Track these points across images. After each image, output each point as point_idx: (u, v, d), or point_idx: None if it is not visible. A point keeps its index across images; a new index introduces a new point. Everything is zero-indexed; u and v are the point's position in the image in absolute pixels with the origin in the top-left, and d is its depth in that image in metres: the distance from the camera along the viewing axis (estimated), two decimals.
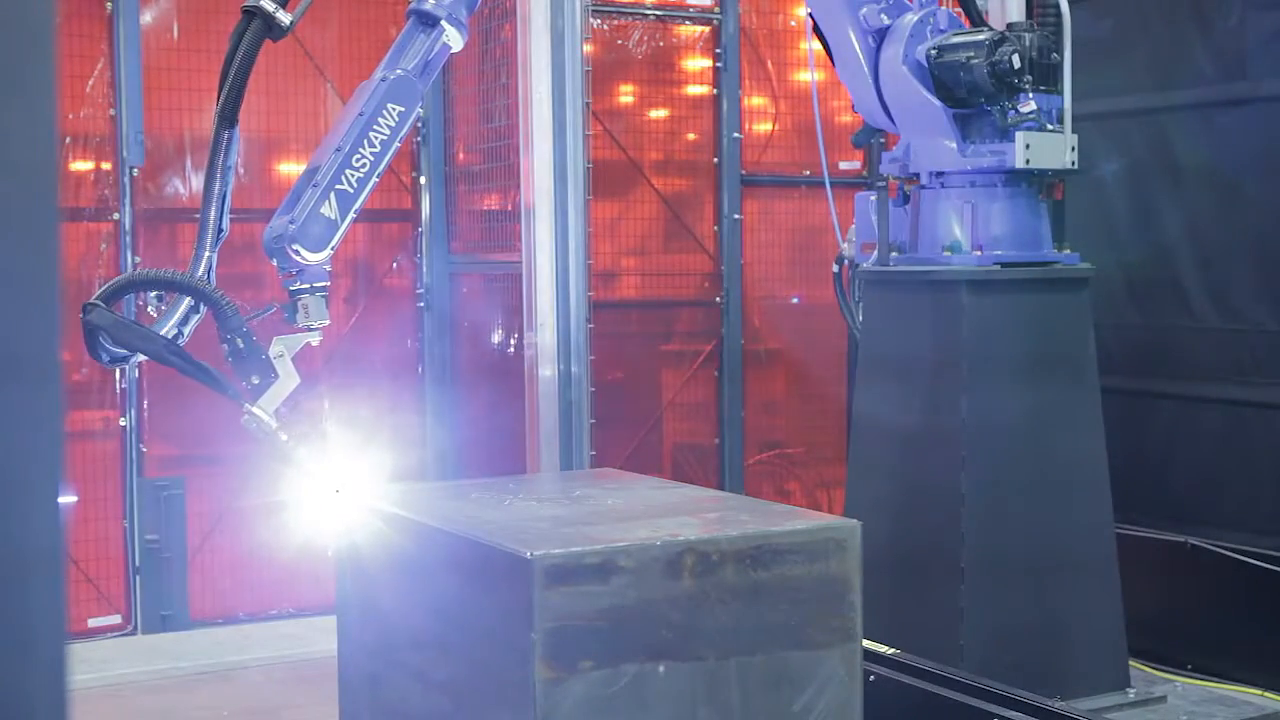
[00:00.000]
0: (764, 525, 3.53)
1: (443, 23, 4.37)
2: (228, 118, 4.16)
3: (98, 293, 4.04)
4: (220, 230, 4.21)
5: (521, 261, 6.73)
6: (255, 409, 4.00)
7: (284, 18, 4.17)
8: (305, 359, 4.16)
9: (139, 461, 6.95)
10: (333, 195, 4.09)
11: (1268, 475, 5.71)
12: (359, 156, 4.14)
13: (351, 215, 4.14)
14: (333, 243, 4.11)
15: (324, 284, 4.15)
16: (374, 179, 4.18)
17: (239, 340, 3.99)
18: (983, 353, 5.12)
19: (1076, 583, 5.22)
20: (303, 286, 4.12)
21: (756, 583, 3.41)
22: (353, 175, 4.12)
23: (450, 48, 4.43)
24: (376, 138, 4.17)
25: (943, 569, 5.09)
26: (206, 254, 4.17)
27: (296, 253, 4.06)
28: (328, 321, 4.18)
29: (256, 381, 4.02)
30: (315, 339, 4.17)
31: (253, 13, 4.17)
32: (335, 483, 4.02)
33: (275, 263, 4.14)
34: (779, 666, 3.43)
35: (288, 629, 6.96)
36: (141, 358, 4.13)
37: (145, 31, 6.97)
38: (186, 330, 4.12)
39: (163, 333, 4.05)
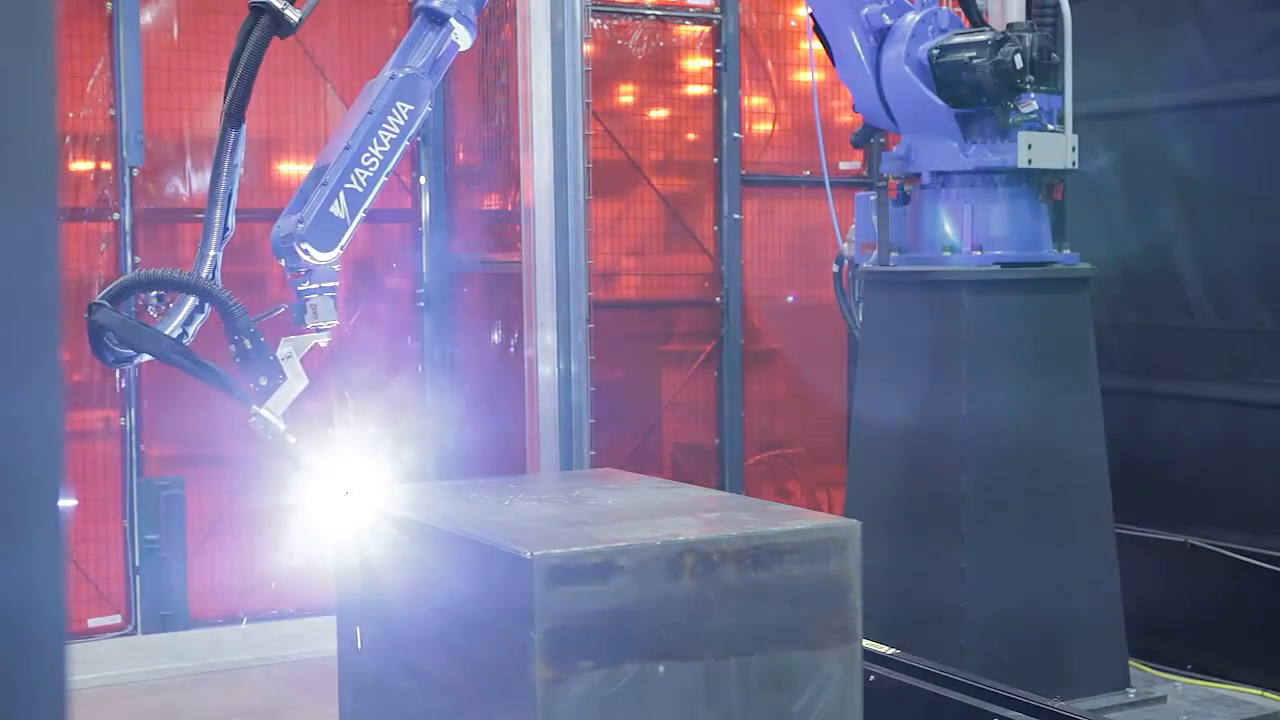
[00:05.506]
0: (764, 525, 3.53)
1: (451, 20, 4.34)
2: (235, 116, 4.13)
3: (103, 292, 4.02)
4: (226, 229, 4.18)
5: (521, 261, 6.73)
6: (263, 410, 3.98)
7: (293, 14, 4.13)
8: (306, 360, 4.14)
9: (139, 461, 6.95)
10: (342, 194, 4.06)
11: (1268, 475, 5.71)
12: (368, 155, 4.11)
13: (361, 214, 4.11)
14: (342, 242, 4.09)
15: (333, 284, 4.12)
16: (383, 178, 4.15)
17: (247, 341, 3.97)
18: (983, 353, 5.13)
19: (1076, 583, 5.22)
20: (311, 287, 4.09)
21: (756, 583, 3.41)
22: (362, 174, 4.10)
23: (459, 46, 4.40)
24: (386, 136, 4.14)
25: (942, 569, 5.09)
26: (212, 253, 4.14)
27: (306, 252, 4.03)
28: (336, 322, 4.15)
29: (264, 383, 3.99)
30: (323, 340, 4.15)
31: (261, 9, 4.15)
32: (344, 484, 4.00)
33: (283, 263, 4.11)
34: (779, 666, 3.43)
35: (288, 629, 6.95)
36: (145, 358, 4.11)
37: (145, 31, 6.97)
38: (191, 330, 4.10)
39: (167, 333, 4.03)
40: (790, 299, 8.24)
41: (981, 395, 5.10)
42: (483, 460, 7.37)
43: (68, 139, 6.76)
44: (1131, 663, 5.37)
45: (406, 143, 4.22)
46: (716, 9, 7.87)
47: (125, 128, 6.87)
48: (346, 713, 4.09)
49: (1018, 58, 5.08)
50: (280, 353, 4.03)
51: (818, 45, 5.55)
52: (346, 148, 4.12)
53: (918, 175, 5.40)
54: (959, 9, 5.53)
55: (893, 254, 5.42)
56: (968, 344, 5.11)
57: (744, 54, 7.95)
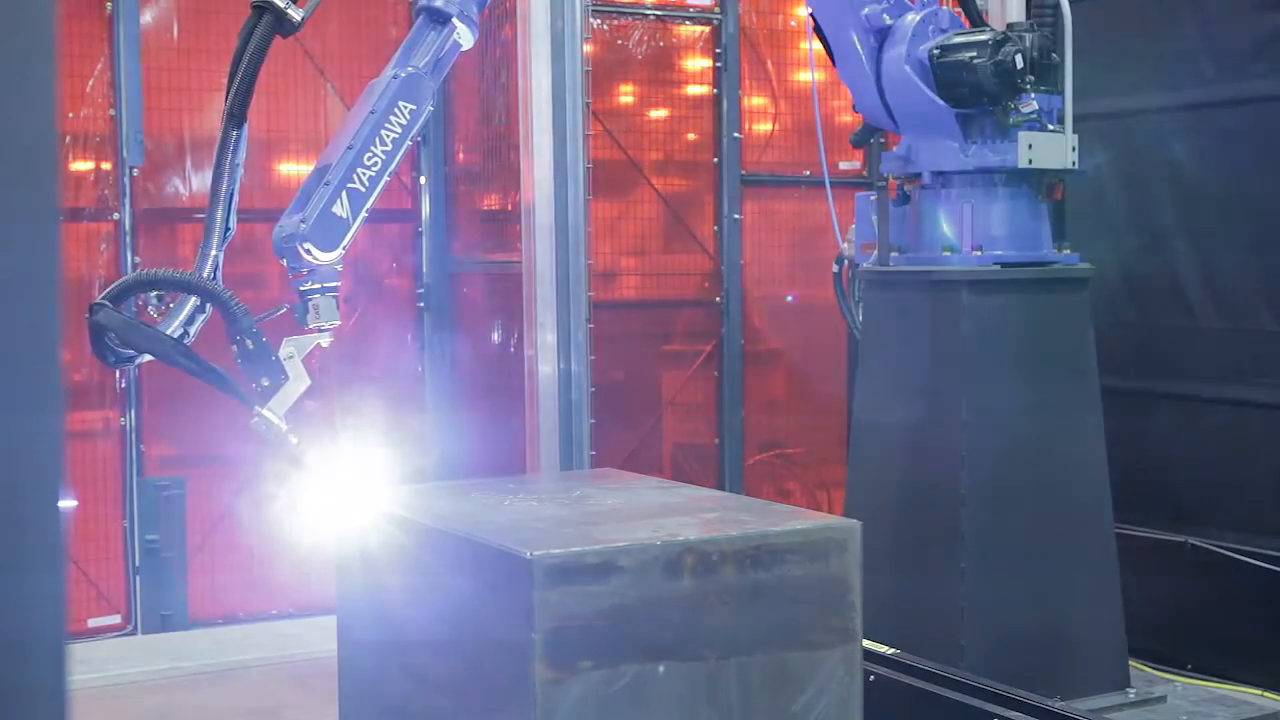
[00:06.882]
0: (764, 525, 3.53)
1: (454, 20, 4.34)
2: (236, 115, 4.12)
3: (105, 292, 4.01)
4: (227, 229, 4.17)
5: (521, 261, 6.73)
6: (265, 411, 3.98)
7: (295, 14, 4.12)
8: (307, 360, 4.13)
9: (139, 461, 6.94)
10: (344, 194, 4.06)
11: (1268, 475, 5.71)
12: (370, 155, 4.11)
13: (363, 214, 4.11)
14: (344, 242, 4.08)
15: (335, 284, 4.11)
16: (385, 177, 4.14)
17: (249, 341, 3.96)
18: (983, 353, 5.13)
19: (1076, 583, 5.22)
20: (313, 287, 4.08)
21: (756, 583, 3.41)
22: (364, 174, 4.09)
23: (461, 45, 4.40)
24: (388, 136, 4.14)
25: (943, 569, 5.09)
26: (213, 253, 4.13)
27: (308, 252, 4.03)
28: (339, 322, 4.14)
29: (266, 383, 3.98)
30: (326, 340, 4.14)
31: (263, 9, 4.14)
32: (346, 485, 4.00)
33: (285, 263, 4.10)
34: (779, 666, 3.43)
35: (288, 629, 6.95)
36: (146, 358, 4.10)
37: (145, 31, 6.97)
38: (192, 330, 4.10)
39: (168, 333, 4.02)
40: (790, 299, 8.23)
41: (981, 395, 5.10)
42: (483, 460, 7.37)
43: (68, 139, 6.76)
44: (1131, 663, 5.37)
45: (409, 142, 4.21)
46: (716, 9, 7.86)
47: (125, 128, 6.87)
48: (346, 713, 4.09)
49: (1018, 58, 5.08)
50: (282, 353, 4.02)
51: (818, 45, 5.55)
52: (349, 147, 4.11)
53: (918, 175, 5.40)
54: (959, 9, 5.53)
55: (893, 254, 5.42)
56: (968, 344, 5.11)
57: (744, 54, 7.95)
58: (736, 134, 7.89)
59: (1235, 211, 5.88)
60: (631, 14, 7.67)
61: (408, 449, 7.27)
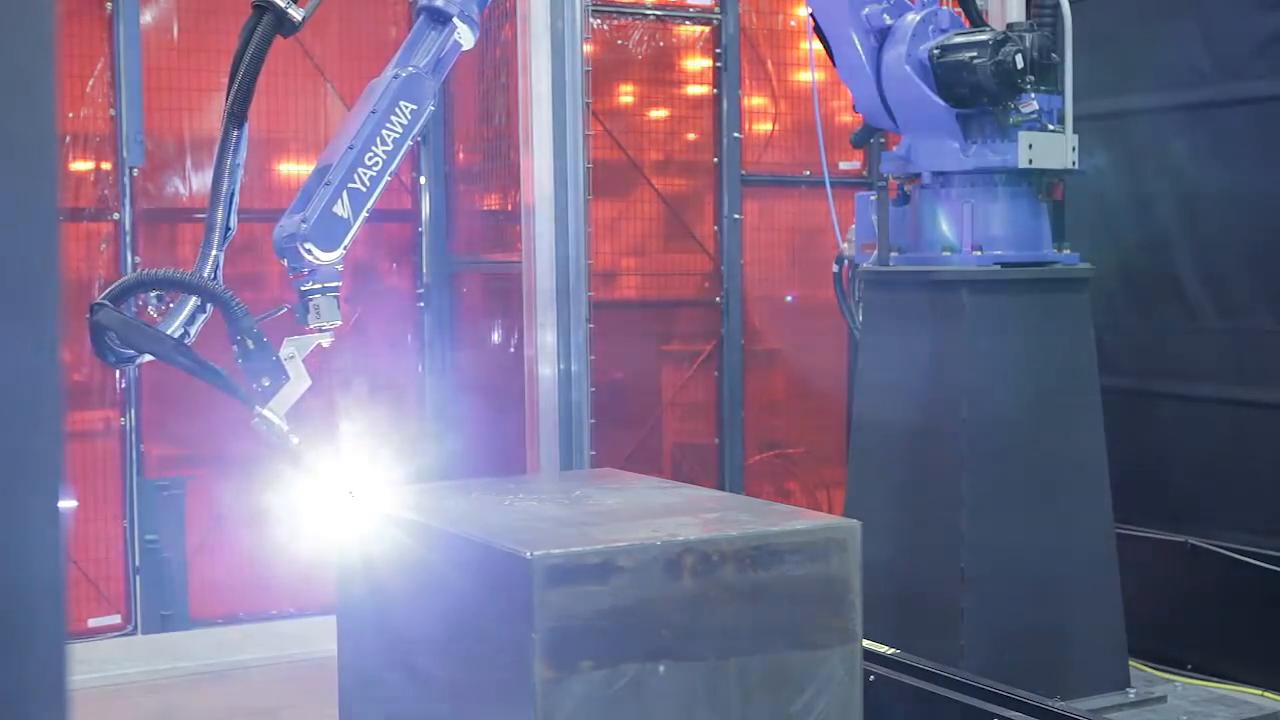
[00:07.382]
0: (764, 525, 3.53)
1: (454, 19, 4.34)
2: (237, 115, 4.11)
3: (106, 292, 4.01)
4: (228, 229, 4.17)
5: (521, 261, 6.73)
6: (266, 411, 3.97)
7: (296, 14, 4.12)
8: (307, 360, 4.13)
9: (139, 461, 6.94)
10: (345, 194, 4.06)
11: (1268, 475, 5.71)
12: (371, 154, 4.10)
13: (364, 214, 4.10)
14: (345, 242, 4.08)
15: (336, 284, 4.11)
16: (386, 177, 4.14)
17: (249, 341, 3.96)
18: (983, 353, 5.13)
19: (1076, 583, 5.22)
20: (314, 287, 4.08)
21: (756, 583, 3.41)
22: (365, 174, 4.09)
23: (462, 45, 4.40)
24: (389, 136, 4.13)
25: (943, 569, 5.09)
26: (214, 253, 4.13)
27: (309, 252, 4.02)
28: (339, 322, 4.14)
29: (267, 384, 3.98)
30: (327, 340, 4.13)
31: (264, 8, 4.14)
32: (346, 485, 3.99)
33: (286, 262, 4.10)
34: (779, 666, 3.43)
35: (288, 629, 6.95)
36: (147, 358, 4.10)
37: (145, 31, 6.97)
38: (193, 330, 4.09)
39: (169, 333, 4.02)
40: (790, 299, 8.23)
41: (981, 395, 5.10)
42: (483, 460, 7.37)
43: (68, 139, 6.76)
44: (1131, 663, 5.37)
45: (409, 142, 4.21)
46: (716, 9, 7.86)
47: (125, 128, 6.87)
48: (346, 713, 4.09)
49: (1018, 58, 5.08)
50: (283, 353, 4.01)
51: (818, 45, 5.55)
52: (350, 147, 4.11)
53: (918, 175, 5.41)
54: (959, 9, 5.53)
55: (893, 254, 5.42)
56: (968, 344, 5.11)
57: (744, 54, 7.95)
58: (736, 134, 7.89)
59: (1235, 211, 5.87)
60: (631, 14, 7.67)
61: (408, 449, 7.27)
